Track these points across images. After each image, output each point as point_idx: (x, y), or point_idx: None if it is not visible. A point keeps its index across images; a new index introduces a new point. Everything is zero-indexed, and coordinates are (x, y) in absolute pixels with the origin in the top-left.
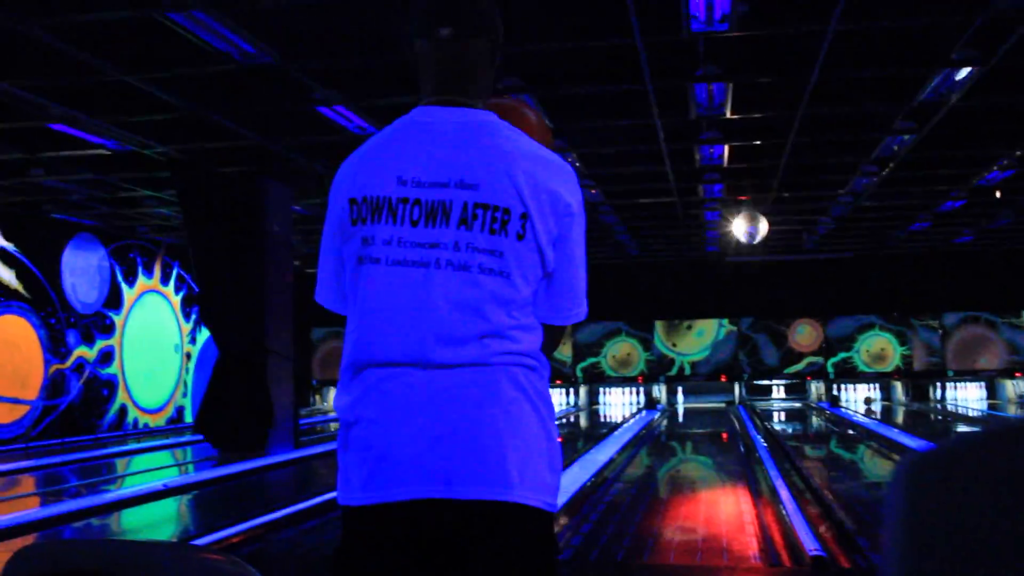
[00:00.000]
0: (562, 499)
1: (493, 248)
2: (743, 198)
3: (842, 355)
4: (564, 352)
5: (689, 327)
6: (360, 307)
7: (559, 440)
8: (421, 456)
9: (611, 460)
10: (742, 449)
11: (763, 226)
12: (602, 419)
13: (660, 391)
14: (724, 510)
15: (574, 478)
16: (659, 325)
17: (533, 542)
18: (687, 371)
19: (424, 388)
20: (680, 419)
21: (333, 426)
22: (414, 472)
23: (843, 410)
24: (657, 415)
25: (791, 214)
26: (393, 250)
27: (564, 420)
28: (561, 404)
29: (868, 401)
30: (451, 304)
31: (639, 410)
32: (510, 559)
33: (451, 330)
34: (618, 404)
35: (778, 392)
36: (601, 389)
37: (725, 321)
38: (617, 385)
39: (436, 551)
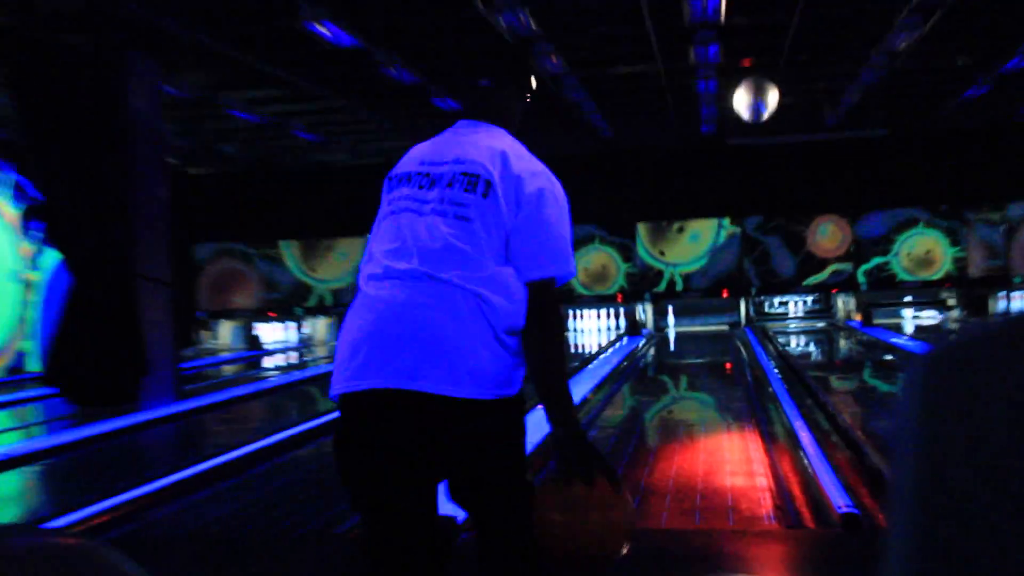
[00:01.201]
0: (534, 439)
1: (463, 201)
2: (746, 63)
3: (876, 260)
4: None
5: (680, 230)
6: (372, 239)
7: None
8: (393, 353)
9: (584, 400)
10: (751, 382)
11: (772, 98)
12: (573, 349)
13: (645, 312)
14: (729, 459)
15: (537, 423)
16: (642, 228)
17: (494, 426)
18: (679, 286)
19: (403, 298)
20: (671, 347)
21: (228, 368)
22: (385, 366)
23: (879, 329)
24: (642, 342)
25: (808, 82)
26: (403, 203)
27: None
28: None
29: (864, 308)
30: (431, 237)
31: (619, 336)
32: (476, 442)
33: (428, 255)
34: (592, 330)
35: (796, 310)
36: (571, 312)
37: (726, 221)
38: (590, 306)
39: (407, 437)
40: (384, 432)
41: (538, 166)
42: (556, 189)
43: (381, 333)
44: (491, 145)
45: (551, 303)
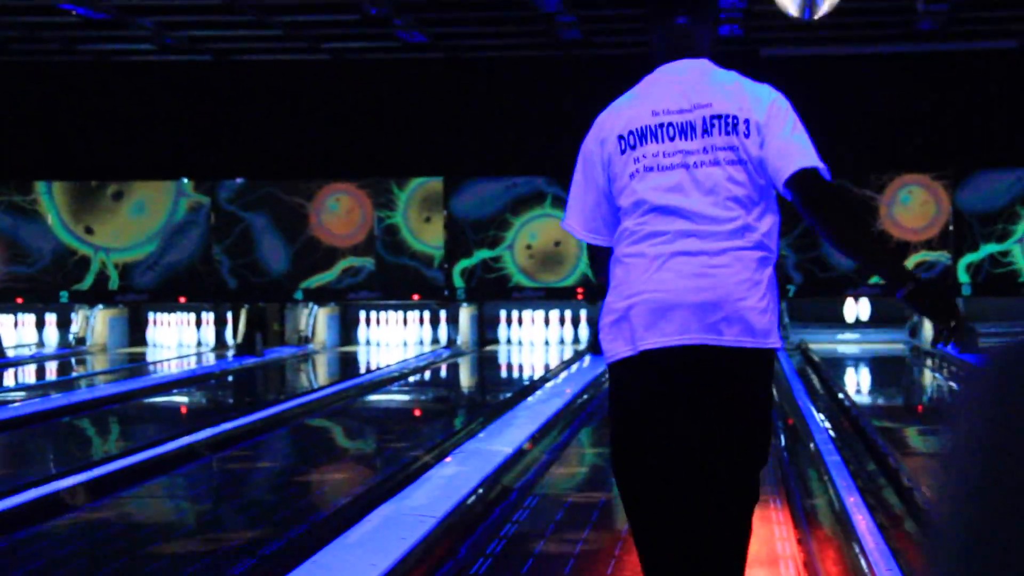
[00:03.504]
0: (438, 512)
1: (728, 145)
2: None
3: (990, 248)
4: (427, 239)
5: None
6: (634, 205)
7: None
8: (691, 310)
9: (519, 451)
10: (780, 432)
11: None
12: (504, 370)
13: None
14: None
15: (451, 483)
16: None
17: (766, 373)
18: None
19: (688, 260)
20: None
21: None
22: (682, 322)
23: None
24: None
25: None
26: (659, 160)
27: (428, 373)
28: (421, 342)
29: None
30: (706, 191)
31: (577, 355)
32: (752, 392)
33: (709, 212)
34: (536, 342)
35: (854, 319)
36: (503, 313)
37: None
38: (534, 304)
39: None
40: (686, 388)
41: (761, 83)
42: (777, 94)
43: (671, 290)
44: (720, 81)
45: (830, 185)
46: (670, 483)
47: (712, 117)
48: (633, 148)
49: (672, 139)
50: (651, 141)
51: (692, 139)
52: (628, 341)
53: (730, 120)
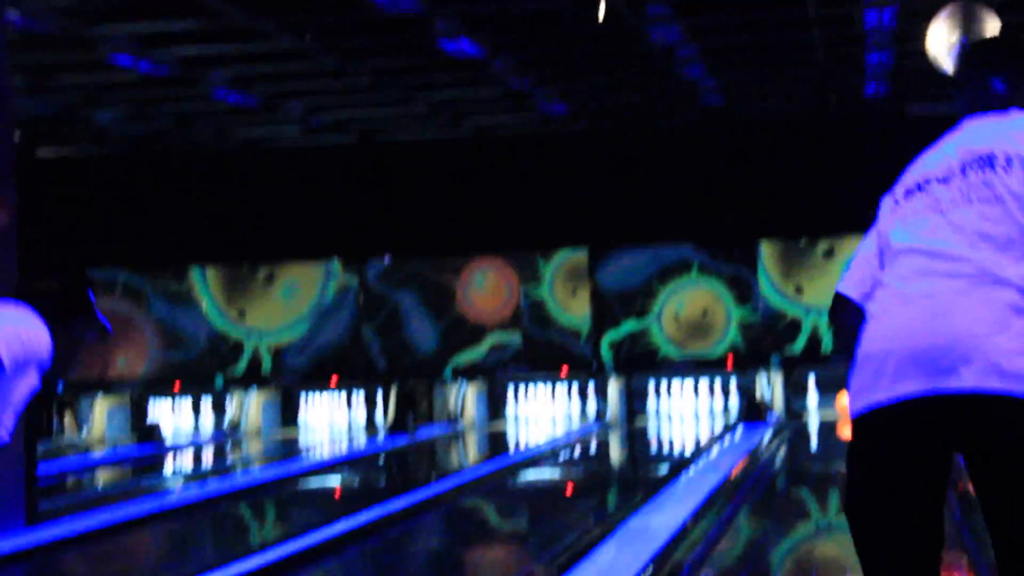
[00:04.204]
0: None
1: (985, 182)
2: None
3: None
4: (574, 311)
5: (829, 253)
6: (876, 246)
7: None
8: (936, 353)
9: (681, 531)
10: (955, 504)
11: (992, 26)
12: (654, 446)
13: (771, 386)
14: None
15: (616, 563)
16: (766, 249)
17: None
18: (824, 344)
19: (938, 292)
20: (814, 443)
21: (105, 475)
22: (927, 367)
23: None
24: (768, 435)
25: None
26: (917, 205)
27: (578, 448)
28: (570, 417)
29: None
30: (955, 230)
31: (729, 426)
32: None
33: (958, 244)
34: (687, 414)
35: None
36: (652, 383)
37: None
38: (683, 373)
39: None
40: (925, 443)
41: None
42: None
43: (918, 333)
44: (1004, 122)
45: None
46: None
47: (976, 159)
48: (897, 205)
49: (940, 185)
50: (919, 193)
51: (950, 183)
52: (878, 390)
53: (990, 158)
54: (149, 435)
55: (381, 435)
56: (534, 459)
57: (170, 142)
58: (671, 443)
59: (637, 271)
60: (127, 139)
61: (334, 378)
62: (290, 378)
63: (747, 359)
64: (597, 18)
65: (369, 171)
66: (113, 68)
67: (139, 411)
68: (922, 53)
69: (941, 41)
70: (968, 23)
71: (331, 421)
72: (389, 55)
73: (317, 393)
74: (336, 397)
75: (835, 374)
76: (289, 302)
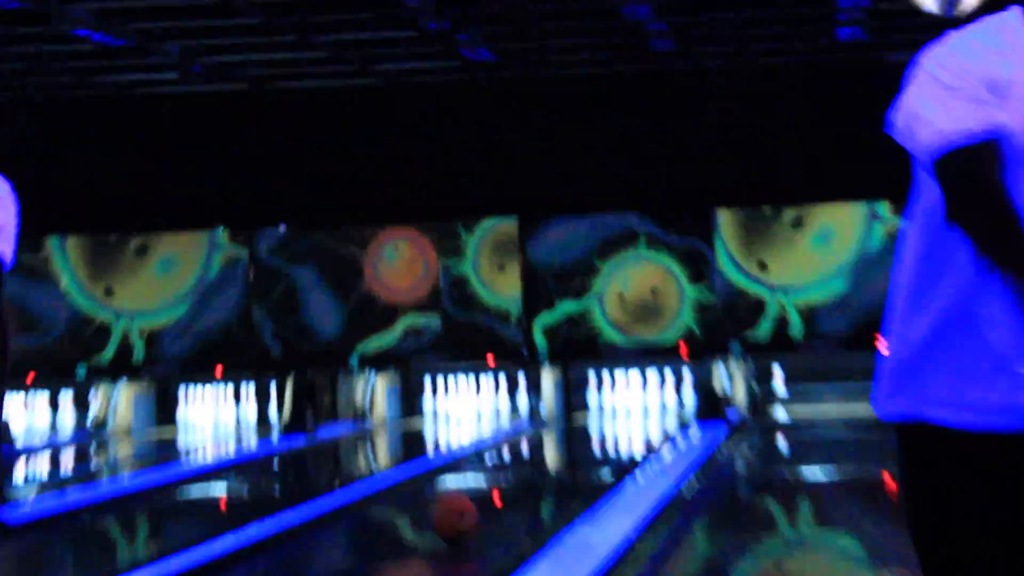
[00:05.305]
0: None
1: None
2: None
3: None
4: (501, 290)
5: (798, 223)
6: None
7: None
8: None
9: (626, 547)
10: None
11: None
12: (595, 447)
13: (730, 377)
14: None
15: None
16: (725, 219)
17: None
18: (796, 328)
19: None
20: (782, 446)
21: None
22: None
23: None
24: (725, 436)
25: None
26: None
27: (507, 450)
28: (498, 414)
29: None
30: None
31: (682, 423)
32: None
33: None
34: (634, 410)
35: None
36: (593, 374)
37: (883, 207)
38: (630, 364)
39: None
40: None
41: None
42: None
43: None
44: None
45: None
46: None
47: None
48: None
49: None
50: None
51: None
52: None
53: None
54: None
55: (275, 435)
56: (455, 463)
57: (23, 88)
58: (615, 444)
59: (575, 244)
60: None
61: (219, 368)
62: (167, 368)
63: (703, 346)
64: None
65: (261, 124)
66: None
67: None
68: None
69: None
70: None
71: (216, 419)
72: None
73: (199, 386)
74: (222, 390)
75: (806, 364)
76: (165, 278)
